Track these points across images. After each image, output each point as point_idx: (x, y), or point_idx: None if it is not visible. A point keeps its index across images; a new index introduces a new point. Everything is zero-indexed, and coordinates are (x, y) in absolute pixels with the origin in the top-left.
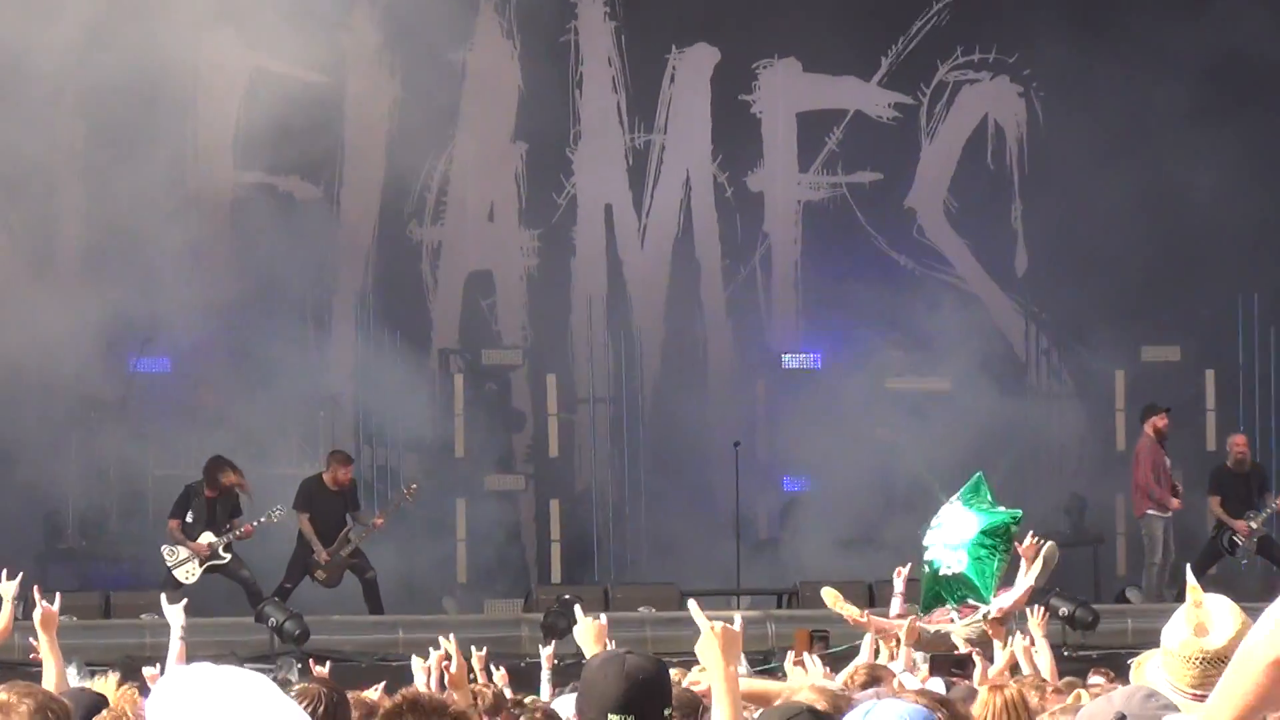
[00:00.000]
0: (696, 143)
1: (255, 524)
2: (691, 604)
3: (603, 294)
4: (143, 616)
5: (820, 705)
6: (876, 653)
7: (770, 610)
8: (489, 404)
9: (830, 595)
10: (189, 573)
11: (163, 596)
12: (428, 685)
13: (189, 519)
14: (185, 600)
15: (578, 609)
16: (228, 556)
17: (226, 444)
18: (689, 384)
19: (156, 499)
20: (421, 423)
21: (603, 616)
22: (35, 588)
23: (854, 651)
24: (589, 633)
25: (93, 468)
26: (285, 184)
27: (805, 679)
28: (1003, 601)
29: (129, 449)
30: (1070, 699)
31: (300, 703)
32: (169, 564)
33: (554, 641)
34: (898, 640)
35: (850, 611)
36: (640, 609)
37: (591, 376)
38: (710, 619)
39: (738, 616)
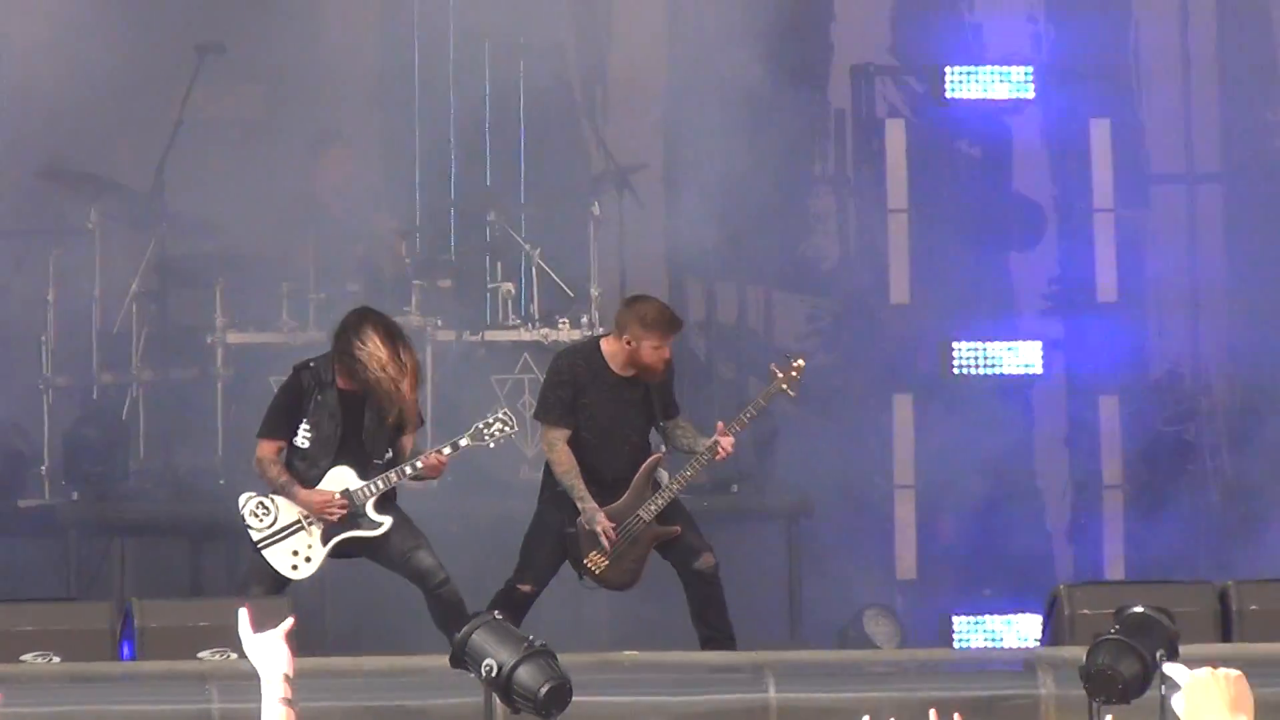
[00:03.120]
0: None
1: (448, 450)
2: None
3: None
4: (203, 655)
5: None
6: None
7: None
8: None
9: None
10: (300, 554)
11: (241, 615)
12: None
13: (302, 439)
14: (291, 622)
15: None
16: (385, 522)
17: (380, 281)
18: None
19: (230, 397)
20: (804, 230)
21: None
22: None
23: None
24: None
25: (88, 328)
26: None
27: None
28: None
29: (171, 293)
30: None
31: None
32: (255, 535)
33: None
34: None
35: None
36: None
37: None
38: None
39: None
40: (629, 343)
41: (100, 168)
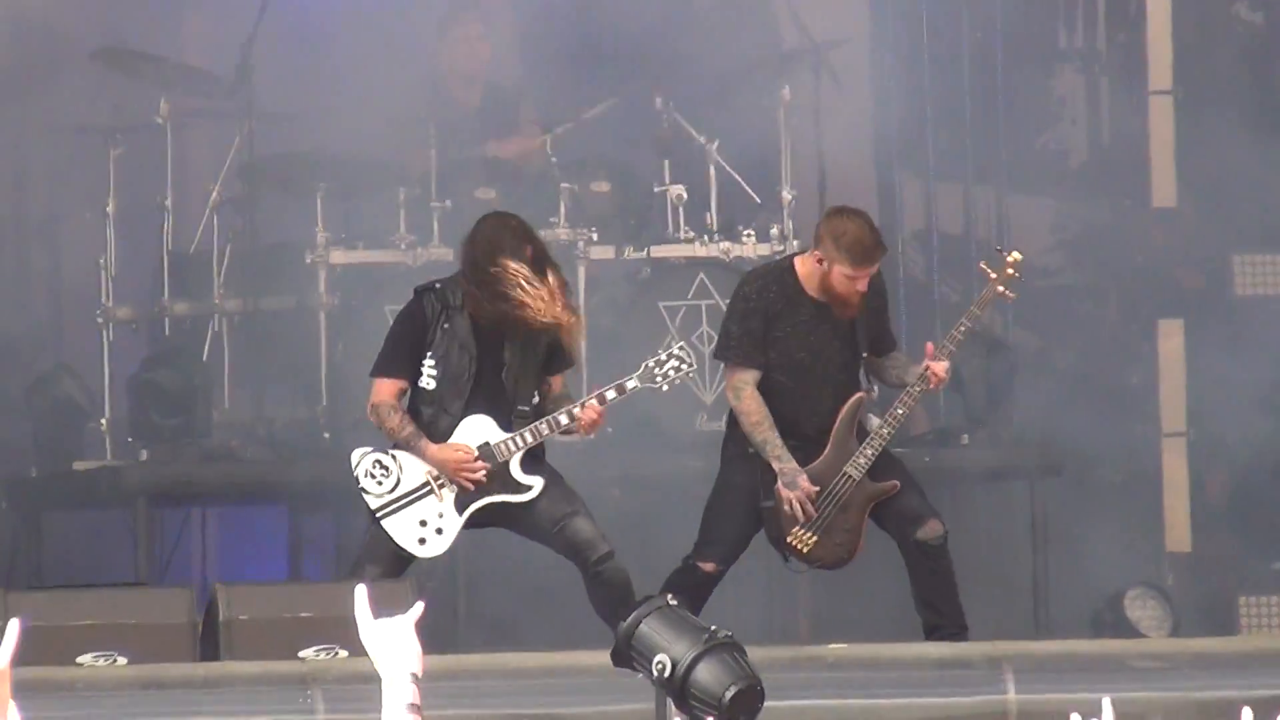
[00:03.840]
0: None
1: (611, 394)
2: None
3: None
4: (305, 654)
5: None
6: None
7: None
8: None
9: None
10: (429, 524)
11: (359, 594)
12: None
13: (427, 378)
14: (421, 607)
15: None
16: (534, 484)
17: (520, 186)
18: None
19: (336, 330)
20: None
21: None
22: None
23: None
24: None
25: (158, 247)
26: None
27: None
28: None
29: (261, 202)
30: None
31: None
32: (373, 501)
33: None
34: None
35: None
36: None
37: None
38: None
39: None
40: (820, 261)
41: (172, 48)
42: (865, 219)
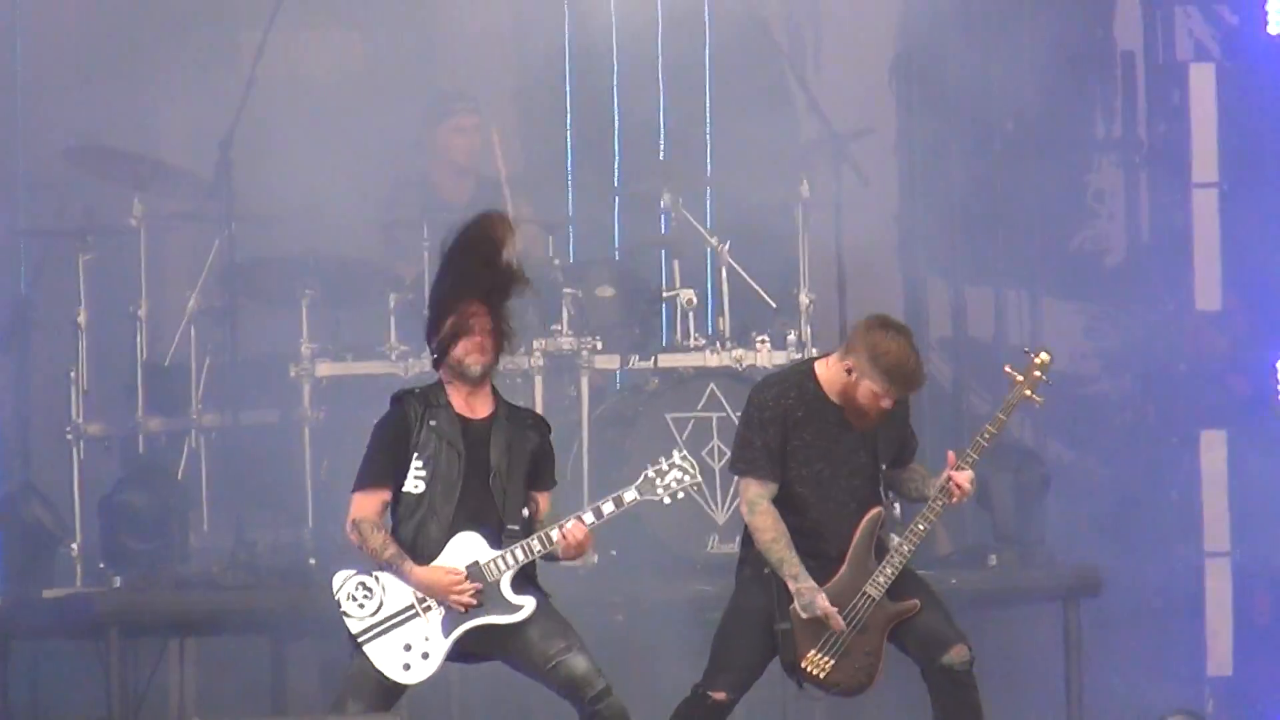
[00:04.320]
0: None
1: (609, 508)
2: None
3: None
4: None
5: None
6: None
7: None
8: None
9: None
10: (414, 648)
11: None
12: None
13: (414, 480)
14: None
15: None
16: (525, 604)
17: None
18: None
19: (322, 447)
20: None
21: None
22: None
23: None
24: None
25: (131, 359)
26: None
27: None
28: None
29: (242, 310)
30: None
31: None
32: (355, 626)
33: None
34: None
35: None
36: None
37: None
38: None
39: None
40: (850, 370)
41: (146, 144)
42: (909, 340)
